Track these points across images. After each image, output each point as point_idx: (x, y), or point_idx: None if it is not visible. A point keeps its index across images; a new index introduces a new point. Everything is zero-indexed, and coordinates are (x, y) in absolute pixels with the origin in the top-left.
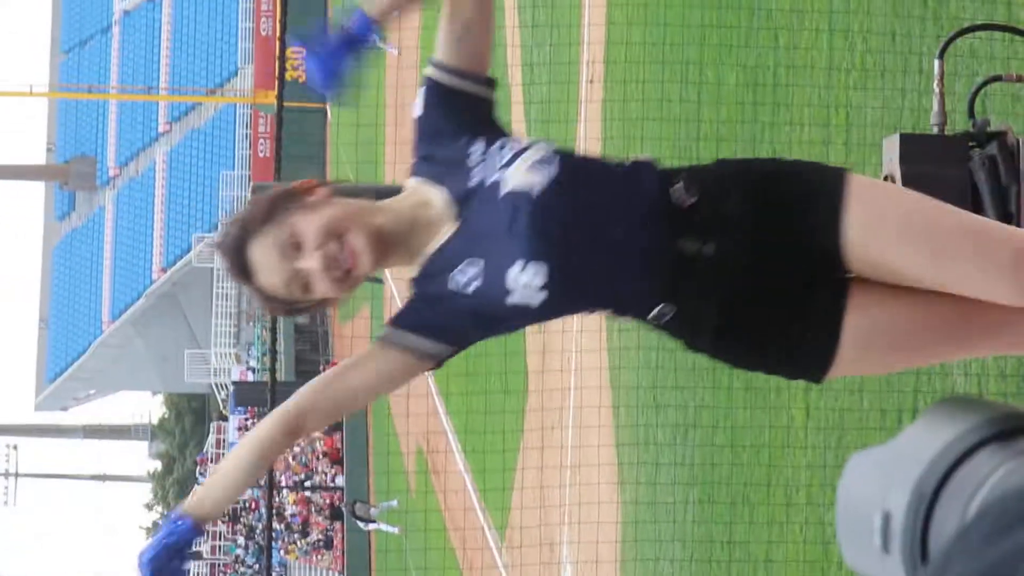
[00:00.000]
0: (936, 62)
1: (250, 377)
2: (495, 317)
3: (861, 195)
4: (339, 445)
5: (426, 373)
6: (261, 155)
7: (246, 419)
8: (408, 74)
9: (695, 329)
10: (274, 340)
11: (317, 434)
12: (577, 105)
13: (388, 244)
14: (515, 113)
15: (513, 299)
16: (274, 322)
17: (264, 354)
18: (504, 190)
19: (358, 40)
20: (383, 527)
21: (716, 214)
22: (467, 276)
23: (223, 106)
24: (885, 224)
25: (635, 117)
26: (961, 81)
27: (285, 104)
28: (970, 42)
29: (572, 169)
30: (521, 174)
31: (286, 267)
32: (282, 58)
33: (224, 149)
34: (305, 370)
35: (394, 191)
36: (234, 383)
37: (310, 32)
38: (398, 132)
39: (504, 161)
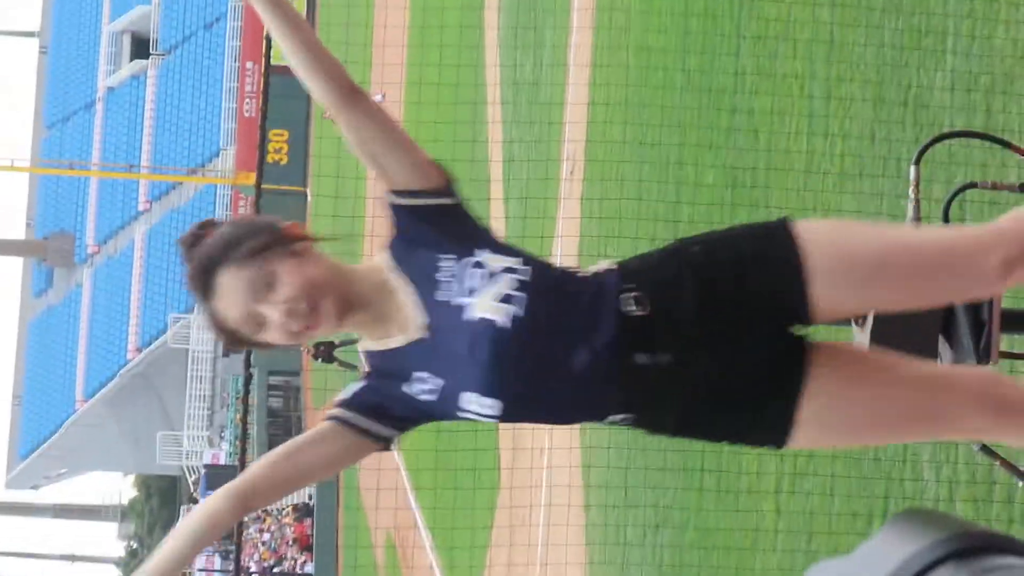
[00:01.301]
0: (912, 168)
1: (222, 460)
2: (444, 419)
3: (816, 247)
4: (309, 532)
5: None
6: None
7: None
8: None
9: (653, 428)
10: (245, 425)
11: (288, 520)
12: (556, 202)
13: (350, 309)
14: (494, 209)
15: (464, 415)
16: (245, 408)
17: (237, 437)
18: (470, 317)
19: None
20: None
21: (668, 323)
22: (423, 388)
23: (204, 186)
24: (850, 273)
25: (613, 216)
26: (939, 186)
27: (265, 187)
28: (949, 147)
29: (538, 304)
30: (488, 305)
31: (249, 305)
32: (263, 140)
33: None
34: None
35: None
36: (206, 466)
37: None
38: (379, 226)
39: (473, 286)
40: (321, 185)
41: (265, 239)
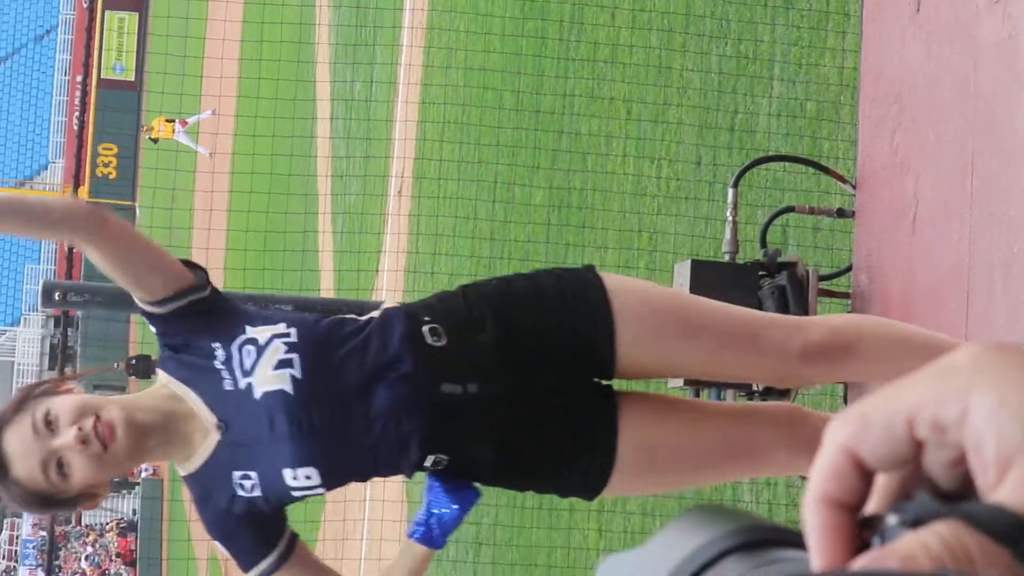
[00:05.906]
0: (730, 191)
1: None
2: (284, 505)
3: (624, 294)
4: (132, 547)
5: None
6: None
7: None
8: (220, 179)
9: (471, 468)
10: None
11: (111, 534)
12: (384, 218)
13: (144, 432)
14: (321, 223)
15: (296, 494)
16: None
17: None
18: (258, 393)
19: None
20: None
21: (471, 352)
22: (251, 483)
23: None
24: (654, 322)
25: (442, 233)
26: (763, 211)
27: (94, 201)
28: (775, 173)
29: (314, 359)
30: (267, 376)
31: (41, 447)
32: (80, 154)
33: (31, 243)
34: None
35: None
36: None
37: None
38: (209, 238)
39: (248, 366)
40: (150, 197)
41: (23, 392)
